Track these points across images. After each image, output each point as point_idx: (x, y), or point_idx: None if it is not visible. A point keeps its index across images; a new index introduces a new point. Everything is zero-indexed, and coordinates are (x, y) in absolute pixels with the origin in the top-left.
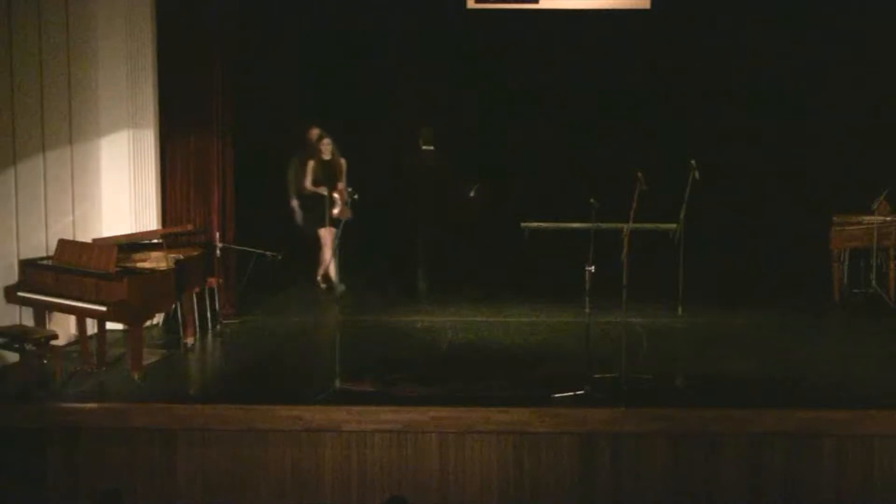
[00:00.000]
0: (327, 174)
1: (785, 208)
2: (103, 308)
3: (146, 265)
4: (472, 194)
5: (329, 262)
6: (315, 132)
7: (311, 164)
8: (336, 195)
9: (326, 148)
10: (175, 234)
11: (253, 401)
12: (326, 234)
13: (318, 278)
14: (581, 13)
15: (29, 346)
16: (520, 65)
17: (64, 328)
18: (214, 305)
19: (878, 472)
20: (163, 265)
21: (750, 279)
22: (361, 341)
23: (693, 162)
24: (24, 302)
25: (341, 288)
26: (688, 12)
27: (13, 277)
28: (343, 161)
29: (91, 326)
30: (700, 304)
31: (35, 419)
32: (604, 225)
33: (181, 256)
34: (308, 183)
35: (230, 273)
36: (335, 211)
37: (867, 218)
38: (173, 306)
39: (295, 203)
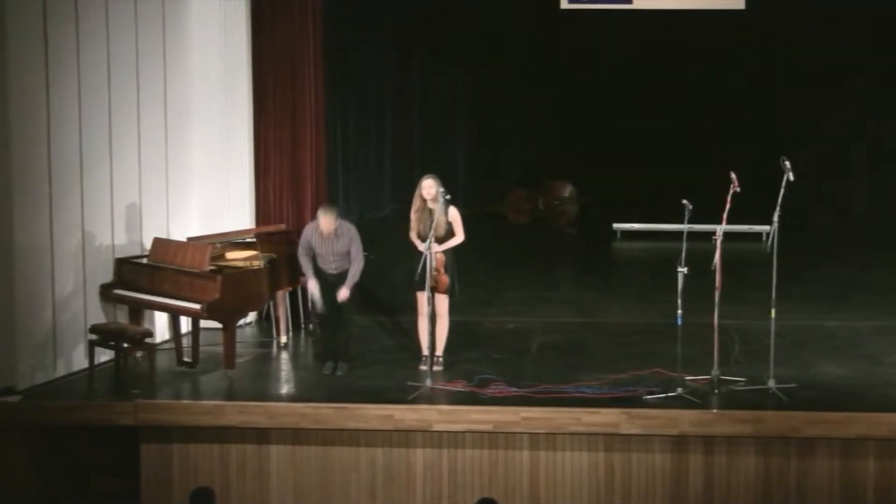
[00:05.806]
0: (427, 228)
1: (881, 209)
2: (197, 306)
3: (239, 264)
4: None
5: (425, 335)
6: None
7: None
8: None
9: (428, 192)
10: (268, 232)
11: (344, 399)
12: (419, 299)
13: (422, 358)
14: (674, 13)
15: (124, 344)
16: (613, 64)
17: (158, 326)
18: (307, 304)
19: None
20: (256, 264)
21: (843, 281)
22: (452, 342)
23: (787, 163)
24: (120, 300)
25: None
26: (781, 11)
27: (109, 276)
28: (451, 213)
29: (185, 324)
30: (793, 306)
31: (129, 416)
32: (696, 226)
33: (274, 255)
34: (412, 235)
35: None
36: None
37: None
38: (266, 305)
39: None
